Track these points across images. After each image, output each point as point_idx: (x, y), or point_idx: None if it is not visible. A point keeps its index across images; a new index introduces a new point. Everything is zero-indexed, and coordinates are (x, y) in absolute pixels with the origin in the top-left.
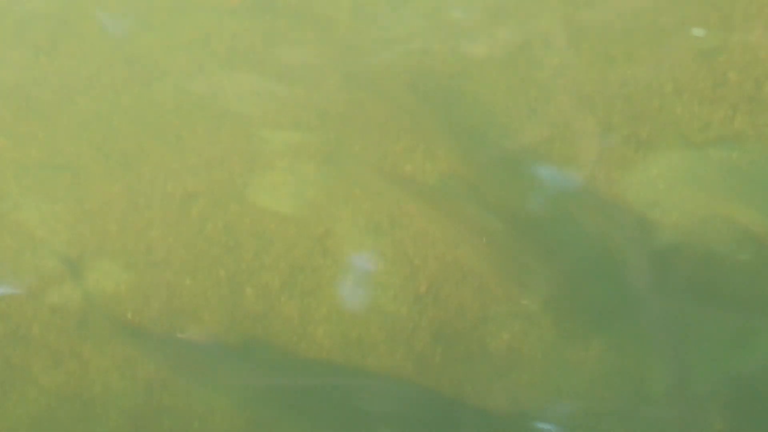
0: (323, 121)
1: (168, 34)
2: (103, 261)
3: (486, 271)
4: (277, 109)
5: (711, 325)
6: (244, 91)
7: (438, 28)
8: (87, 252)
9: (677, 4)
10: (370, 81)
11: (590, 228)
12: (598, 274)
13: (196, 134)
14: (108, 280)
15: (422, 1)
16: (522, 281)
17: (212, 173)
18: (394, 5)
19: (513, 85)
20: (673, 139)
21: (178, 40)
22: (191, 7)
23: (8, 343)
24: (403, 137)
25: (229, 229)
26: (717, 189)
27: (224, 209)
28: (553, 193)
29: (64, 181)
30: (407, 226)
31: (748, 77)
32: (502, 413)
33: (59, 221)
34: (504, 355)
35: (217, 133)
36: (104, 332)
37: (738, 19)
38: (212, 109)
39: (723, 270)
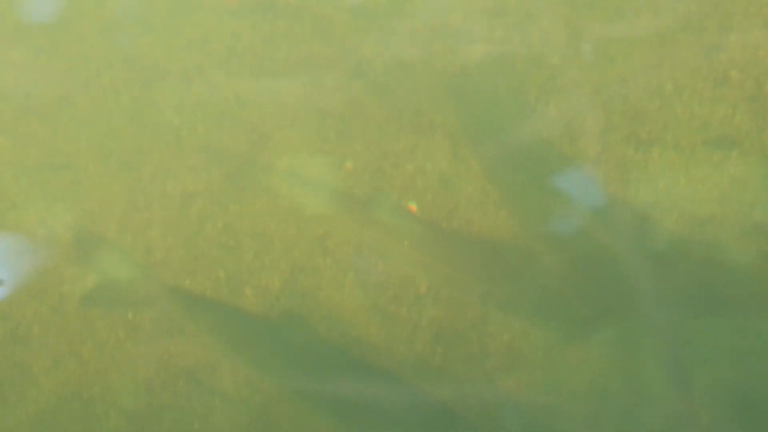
0: (323, 120)
1: (168, 34)
2: (102, 261)
3: (485, 269)
4: (277, 108)
5: (710, 324)
6: (243, 91)
7: (438, 27)
8: (86, 252)
9: (677, 4)
10: (370, 80)
11: (590, 228)
12: (597, 274)
13: (196, 134)
14: (107, 280)
15: (422, 0)
16: (521, 281)
17: (212, 173)
18: (394, 5)
19: (513, 85)
20: (673, 139)
21: (178, 40)
22: (191, 7)
23: (8, 343)
24: (403, 137)
25: (229, 229)
26: (717, 189)
27: (224, 209)
28: (553, 193)
29: (64, 181)
30: (407, 226)
31: (749, 76)
32: (503, 413)
33: (58, 221)
34: (504, 355)
35: (216, 133)
36: (104, 332)
37: (738, 18)
38: (212, 109)
39: (723, 270)
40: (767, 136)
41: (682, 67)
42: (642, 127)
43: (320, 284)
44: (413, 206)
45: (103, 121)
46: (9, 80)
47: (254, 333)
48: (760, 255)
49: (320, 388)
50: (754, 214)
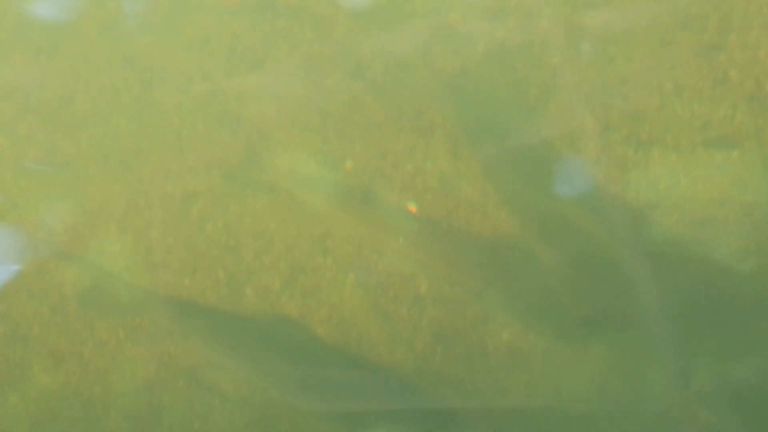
0: (323, 120)
1: (168, 34)
2: (102, 261)
3: (485, 269)
4: (277, 109)
5: (711, 325)
6: (243, 91)
7: (438, 27)
8: (86, 253)
9: (677, 4)
10: (370, 80)
11: (590, 228)
12: (597, 273)
13: (196, 134)
14: (108, 280)
15: (422, 0)
16: (521, 281)
17: (212, 173)
18: (394, 5)
19: (513, 85)
20: (673, 139)
21: (178, 40)
22: (191, 7)
23: (8, 343)
24: (403, 137)
25: (229, 229)
26: (717, 189)
27: (224, 209)
28: (552, 193)
29: (64, 181)
30: (407, 226)
31: (749, 76)
32: (503, 413)
33: (58, 221)
34: (504, 354)
35: (217, 133)
36: (105, 332)
37: (738, 18)
38: (212, 109)
39: (723, 270)
40: (767, 136)
41: (682, 67)
42: (642, 127)
43: (320, 284)
44: (412, 206)
45: (103, 121)
46: (9, 80)
47: (254, 333)
48: (760, 255)
49: (320, 388)
50: (754, 214)
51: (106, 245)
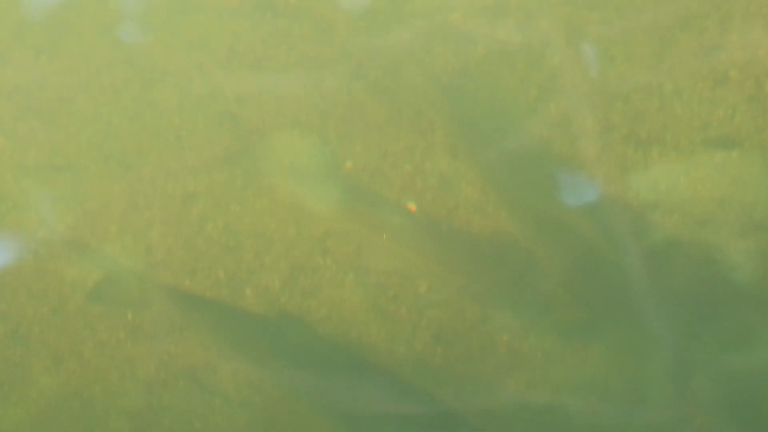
0: (323, 121)
1: (168, 34)
2: (103, 261)
3: (485, 269)
4: (277, 109)
5: (710, 324)
6: (243, 91)
7: (438, 27)
8: (87, 253)
9: (677, 4)
10: (370, 81)
11: (589, 228)
12: (597, 274)
13: (196, 134)
14: (108, 280)
15: (422, 0)
16: (521, 281)
17: (212, 173)
18: (394, 5)
19: (513, 85)
20: (672, 139)
21: (178, 40)
22: (191, 7)
23: (8, 343)
24: (403, 137)
25: (229, 229)
26: (717, 189)
27: (224, 209)
28: (552, 193)
29: (64, 181)
30: (407, 226)
31: (748, 76)
32: (503, 413)
33: (59, 221)
34: (504, 355)
35: (217, 133)
36: (104, 332)
37: (738, 18)
38: (212, 109)
39: (723, 270)
40: (767, 136)
41: (682, 67)
42: (642, 127)
43: (320, 284)
44: (412, 206)
45: (103, 121)
46: (9, 80)
47: (254, 333)
48: (760, 255)
49: (320, 388)
50: (754, 214)
51: (107, 245)
